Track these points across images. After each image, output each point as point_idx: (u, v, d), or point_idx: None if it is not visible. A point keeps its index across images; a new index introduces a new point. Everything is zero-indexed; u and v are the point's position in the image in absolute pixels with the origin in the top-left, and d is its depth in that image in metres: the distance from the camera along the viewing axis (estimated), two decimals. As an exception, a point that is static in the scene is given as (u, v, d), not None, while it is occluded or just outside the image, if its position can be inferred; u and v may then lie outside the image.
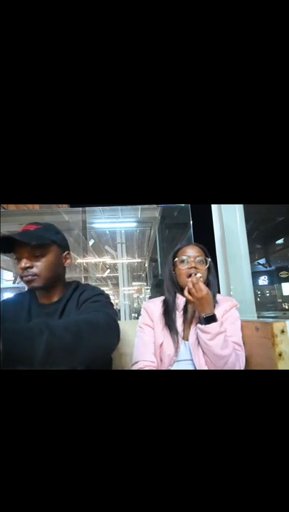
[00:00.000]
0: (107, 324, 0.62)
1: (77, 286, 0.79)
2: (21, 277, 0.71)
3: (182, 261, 0.87)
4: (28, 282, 0.71)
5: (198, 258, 0.86)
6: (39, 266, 0.71)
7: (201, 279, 0.79)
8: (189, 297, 0.78)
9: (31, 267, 0.70)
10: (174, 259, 0.89)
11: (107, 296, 0.77)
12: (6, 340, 0.42)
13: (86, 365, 0.55)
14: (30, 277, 0.70)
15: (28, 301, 0.77)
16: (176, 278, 0.88)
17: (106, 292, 0.79)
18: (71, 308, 0.73)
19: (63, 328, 0.51)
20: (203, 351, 0.78)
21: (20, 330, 0.46)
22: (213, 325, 0.75)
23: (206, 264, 0.87)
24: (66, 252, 0.78)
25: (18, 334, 0.45)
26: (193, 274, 0.81)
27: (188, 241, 0.96)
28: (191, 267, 0.85)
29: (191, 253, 0.87)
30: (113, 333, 0.64)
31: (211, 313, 0.77)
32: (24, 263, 0.69)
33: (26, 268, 0.70)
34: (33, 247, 0.69)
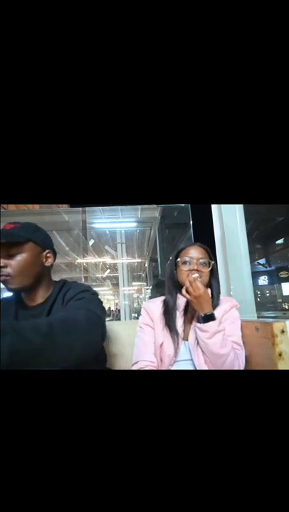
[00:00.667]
0: (87, 321, 0.59)
1: (63, 285, 0.77)
2: None
3: (184, 262, 0.86)
4: (3, 282, 0.68)
5: (201, 260, 0.85)
6: (13, 265, 0.67)
7: (199, 279, 0.79)
8: (187, 296, 0.78)
9: (5, 267, 0.67)
10: (176, 259, 0.88)
11: (94, 292, 0.74)
12: None
13: (67, 365, 0.53)
14: (3, 277, 0.67)
15: (14, 303, 0.75)
16: (178, 278, 0.87)
17: (94, 289, 0.77)
18: (58, 308, 0.71)
19: (31, 328, 0.49)
20: (202, 350, 0.78)
21: None
22: (211, 323, 0.76)
23: (209, 266, 0.85)
24: (47, 251, 0.74)
25: None
26: (190, 274, 0.81)
27: (188, 241, 0.95)
28: (193, 269, 0.83)
29: (194, 254, 0.86)
30: (95, 329, 0.60)
31: (209, 312, 0.77)
32: None
33: (1, 267, 0.67)
34: (7, 246, 0.67)
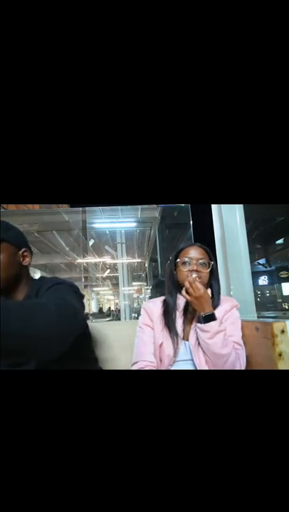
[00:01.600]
0: (55, 305, 0.52)
1: (40, 282, 0.74)
2: None
3: (184, 262, 0.85)
4: None
5: (200, 261, 0.84)
6: None
7: (198, 279, 0.79)
8: (187, 297, 0.78)
9: None
10: (176, 259, 0.88)
11: (71, 285, 0.71)
12: None
13: (27, 356, 0.47)
14: None
15: None
16: (178, 279, 0.87)
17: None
18: None
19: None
20: (203, 351, 0.78)
21: None
22: (212, 323, 0.75)
23: (209, 267, 0.85)
24: (23, 250, 0.72)
25: None
26: (189, 274, 0.81)
27: (188, 241, 0.94)
28: (193, 270, 0.83)
29: (194, 255, 0.85)
30: (62, 314, 0.52)
31: (210, 312, 0.77)
32: None
33: None
34: None
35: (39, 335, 0.46)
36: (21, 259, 0.71)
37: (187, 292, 0.78)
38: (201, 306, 0.77)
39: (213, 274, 0.88)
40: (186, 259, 0.85)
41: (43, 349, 0.48)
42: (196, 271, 0.83)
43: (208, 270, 0.85)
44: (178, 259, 0.87)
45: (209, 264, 0.86)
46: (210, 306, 0.78)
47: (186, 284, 0.78)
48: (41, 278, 0.76)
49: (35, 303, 0.52)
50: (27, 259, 0.73)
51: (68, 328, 0.53)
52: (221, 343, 0.74)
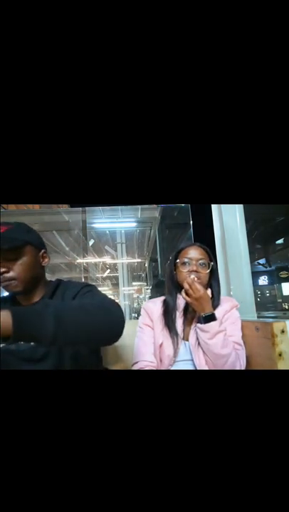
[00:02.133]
0: (110, 303, 0.62)
1: (58, 284, 0.77)
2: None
3: (184, 263, 0.85)
4: (6, 287, 0.67)
5: (200, 261, 0.84)
6: (16, 269, 0.67)
7: (197, 280, 0.78)
8: (187, 298, 0.77)
9: (7, 272, 0.66)
10: (175, 259, 0.87)
11: (95, 286, 0.76)
12: (17, 321, 0.45)
13: (90, 345, 0.60)
14: (7, 282, 0.67)
15: (8, 305, 0.74)
16: (177, 279, 0.87)
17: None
18: None
19: (66, 304, 0.54)
20: (203, 351, 0.78)
21: (26, 307, 0.49)
22: (212, 324, 0.75)
23: (209, 267, 0.84)
24: (42, 251, 0.74)
25: (25, 311, 0.48)
26: (188, 275, 0.80)
27: (188, 241, 0.94)
28: (192, 271, 0.83)
29: (194, 255, 0.85)
30: (118, 309, 0.62)
31: (210, 313, 0.77)
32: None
33: (2, 273, 0.66)
34: (6, 251, 0.65)
35: (98, 328, 0.55)
36: (41, 260, 0.74)
37: (187, 294, 0.77)
38: (201, 306, 0.77)
39: (213, 274, 0.87)
40: (186, 260, 0.85)
41: (102, 338, 0.58)
42: (196, 271, 0.83)
43: (208, 271, 0.84)
44: (178, 260, 0.86)
45: (209, 264, 0.85)
46: (210, 306, 0.78)
47: (186, 286, 0.77)
48: (58, 280, 0.78)
49: (93, 303, 0.60)
50: (46, 260, 0.75)
51: (122, 319, 0.61)
52: (221, 344, 0.74)
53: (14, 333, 0.45)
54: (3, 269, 0.66)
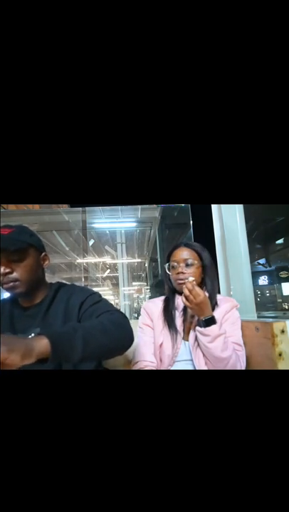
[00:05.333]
0: (122, 317, 0.68)
1: (59, 287, 0.78)
2: (1, 284, 0.68)
3: (173, 267, 0.86)
4: (10, 288, 0.69)
5: (187, 261, 0.84)
6: (19, 271, 0.68)
7: (194, 282, 0.77)
8: (187, 303, 0.76)
9: (11, 273, 0.68)
10: (167, 262, 0.89)
11: (99, 294, 0.77)
12: (54, 346, 0.50)
13: (106, 357, 0.67)
14: (12, 284, 0.68)
15: (9, 306, 0.75)
16: (171, 281, 0.88)
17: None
18: (57, 310, 0.72)
19: (90, 326, 0.60)
20: (203, 353, 0.78)
21: (59, 332, 0.54)
22: (212, 327, 0.74)
23: (197, 266, 0.84)
24: (43, 254, 0.76)
25: (59, 335, 0.53)
26: (186, 281, 0.77)
27: (188, 241, 0.94)
28: (179, 273, 0.83)
29: (179, 257, 0.85)
30: (128, 322, 0.68)
31: (210, 316, 0.76)
32: (3, 269, 0.67)
33: (6, 274, 0.67)
34: (10, 252, 0.67)
35: (116, 345, 0.63)
36: (42, 262, 0.75)
37: (187, 299, 0.76)
38: (202, 311, 0.76)
39: (206, 272, 0.86)
40: (173, 263, 0.86)
41: (117, 353, 0.65)
42: (182, 273, 0.83)
43: (197, 268, 0.84)
44: (168, 263, 0.88)
45: (198, 262, 0.85)
46: (210, 309, 0.77)
47: (186, 292, 0.75)
48: (58, 283, 0.80)
49: (111, 322, 0.65)
50: (47, 262, 0.76)
51: (132, 332, 0.68)
52: (222, 347, 0.73)
53: (52, 356, 0.50)
54: (7, 270, 0.67)
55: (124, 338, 0.65)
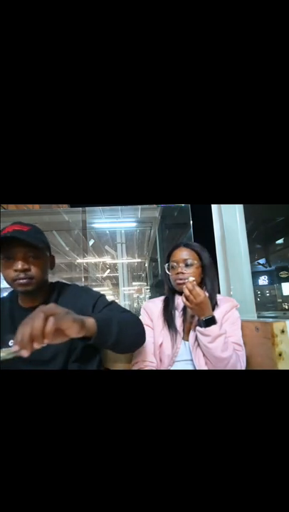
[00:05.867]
0: (138, 319, 0.73)
1: (61, 287, 0.78)
2: (14, 280, 0.67)
3: (172, 267, 0.87)
4: (22, 285, 0.68)
5: (186, 261, 0.84)
6: (34, 269, 0.68)
7: (194, 282, 0.76)
8: (188, 304, 0.76)
9: (29, 270, 0.67)
10: (167, 262, 0.89)
11: (105, 296, 0.79)
12: (99, 327, 0.56)
13: (127, 349, 0.74)
14: (27, 280, 0.67)
15: (8, 305, 0.75)
16: (171, 281, 0.89)
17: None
18: None
19: (120, 317, 0.65)
20: (203, 353, 0.78)
21: (100, 316, 0.59)
22: (213, 327, 0.74)
23: (197, 266, 0.85)
24: (52, 256, 0.77)
25: (101, 319, 0.58)
26: (186, 281, 0.77)
27: (188, 241, 0.94)
28: (178, 273, 0.84)
29: (179, 257, 0.85)
30: (139, 323, 0.73)
31: (210, 316, 0.76)
32: (21, 265, 0.66)
33: (24, 270, 0.67)
34: (30, 249, 0.67)
35: (137, 340, 0.72)
36: (49, 264, 0.76)
37: (187, 299, 0.76)
38: (202, 311, 0.75)
39: (206, 272, 0.86)
40: (173, 264, 0.86)
41: (135, 348, 0.74)
42: (181, 273, 0.83)
43: (196, 268, 0.84)
44: (168, 263, 0.88)
45: (197, 262, 0.85)
46: (210, 309, 0.77)
47: (186, 292, 0.75)
48: (60, 283, 0.80)
49: (133, 318, 0.72)
50: (53, 265, 0.78)
51: (145, 333, 0.74)
52: (222, 347, 0.73)
53: (96, 336, 0.55)
54: (25, 266, 0.67)
55: (143, 335, 0.72)
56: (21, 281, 0.67)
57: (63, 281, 0.83)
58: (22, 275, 0.67)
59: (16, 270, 0.67)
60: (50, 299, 0.74)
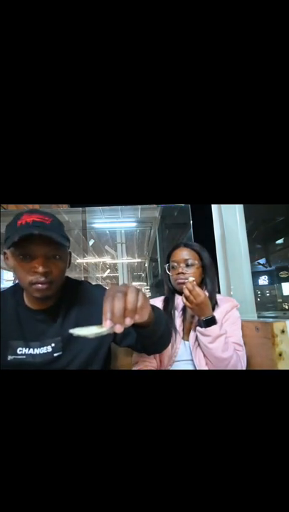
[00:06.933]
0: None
1: (73, 286, 0.69)
2: (32, 283, 0.55)
3: (173, 267, 0.87)
4: (40, 291, 0.56)
5: (187, 262, 0.84)
6: (56, 271, 0.57)
7: (195, 283, 0.76)
8: (187, 304, 0.76)
9: (50, 273, 0.56)
10: (167, 262, 0.89)
11: None
12: (155, 317, 0.57)
13: (162, 347, 0.72)
14: (47, 285, 0.56)
15: (12, 303, 0.64)
16: (171, 281, 0.89)
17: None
18: (78, 316, 0.65)
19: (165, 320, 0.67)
20: (203, 353, 0.78)
21: (157, 311, 0.59)
22: (213, 328, 0.74)
23: (198, 266, 0.85)
24: (70, 252, 0.65)
25: (157, 313, 0.58)
26: (187, 281, 0.77)
27: (188, 241, 0.94)
28: (179, 273, 0.84)
29: (179, 257, 0.85)
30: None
31: (210, 316, 0.76)
32: (43, 268, 0.54)
33: (45, 274, 0.55)
34: (52, 248, 0.55)
35: (169, 340, 0.72)
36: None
37: (187, 300, 0.75)
38: (202, 311, 0.75)
39: (206, 272, 0.87)
40: (173, 264, 0.86)
41: (167, 345, 0.72)
42: (182, 273, 0.83)
43: (197, 268, 0.84)
44: (168, 263, 0.88)
45: (198, 263, 0.85)
46: (210, 309, 0.77)
47: (186, 292, 0.75)
48: (69, 281, 0.70)
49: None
50: (70, 262, 0.67)
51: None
52: (222, 347, 0.73)
53: (153, 323, 0.55)
54: (46, 269, 0.55)
55: (171, 334, 0.76)
56: (40, 285, 0.55)
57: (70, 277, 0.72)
58: (42, 279, 0.55)
59: (35, 272, 0.55)
60: (62, 302, 0.64)
